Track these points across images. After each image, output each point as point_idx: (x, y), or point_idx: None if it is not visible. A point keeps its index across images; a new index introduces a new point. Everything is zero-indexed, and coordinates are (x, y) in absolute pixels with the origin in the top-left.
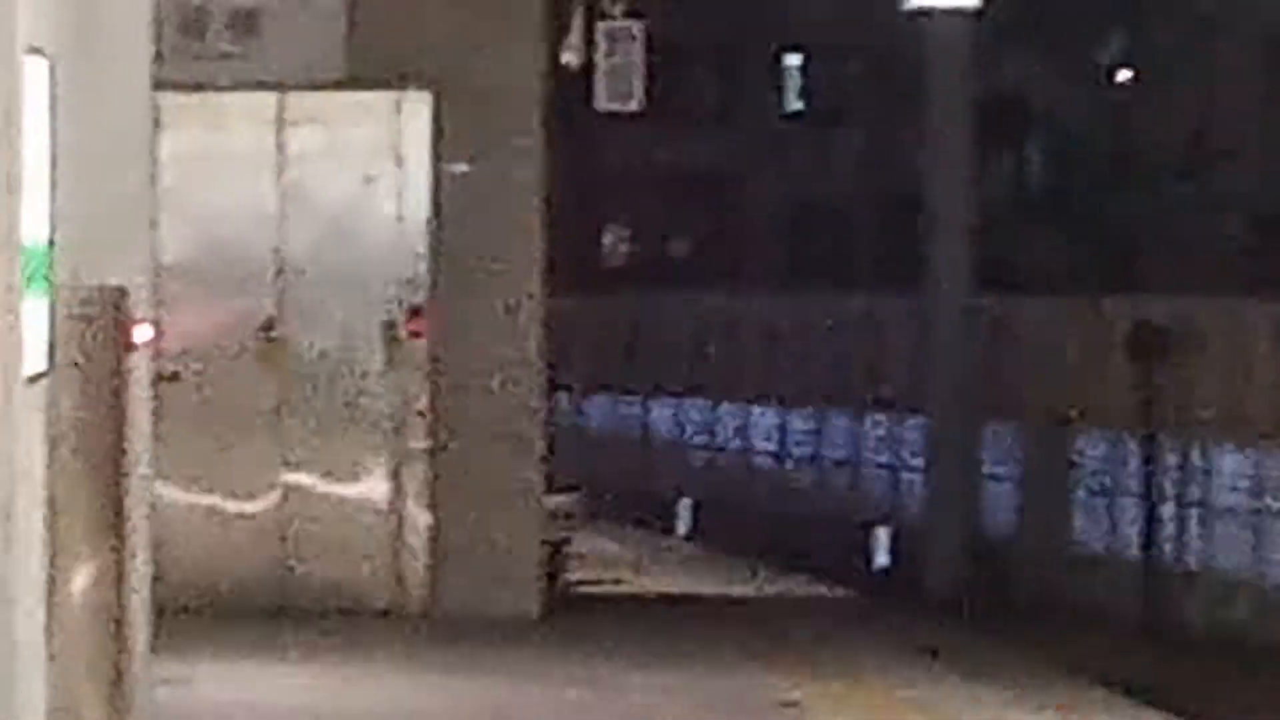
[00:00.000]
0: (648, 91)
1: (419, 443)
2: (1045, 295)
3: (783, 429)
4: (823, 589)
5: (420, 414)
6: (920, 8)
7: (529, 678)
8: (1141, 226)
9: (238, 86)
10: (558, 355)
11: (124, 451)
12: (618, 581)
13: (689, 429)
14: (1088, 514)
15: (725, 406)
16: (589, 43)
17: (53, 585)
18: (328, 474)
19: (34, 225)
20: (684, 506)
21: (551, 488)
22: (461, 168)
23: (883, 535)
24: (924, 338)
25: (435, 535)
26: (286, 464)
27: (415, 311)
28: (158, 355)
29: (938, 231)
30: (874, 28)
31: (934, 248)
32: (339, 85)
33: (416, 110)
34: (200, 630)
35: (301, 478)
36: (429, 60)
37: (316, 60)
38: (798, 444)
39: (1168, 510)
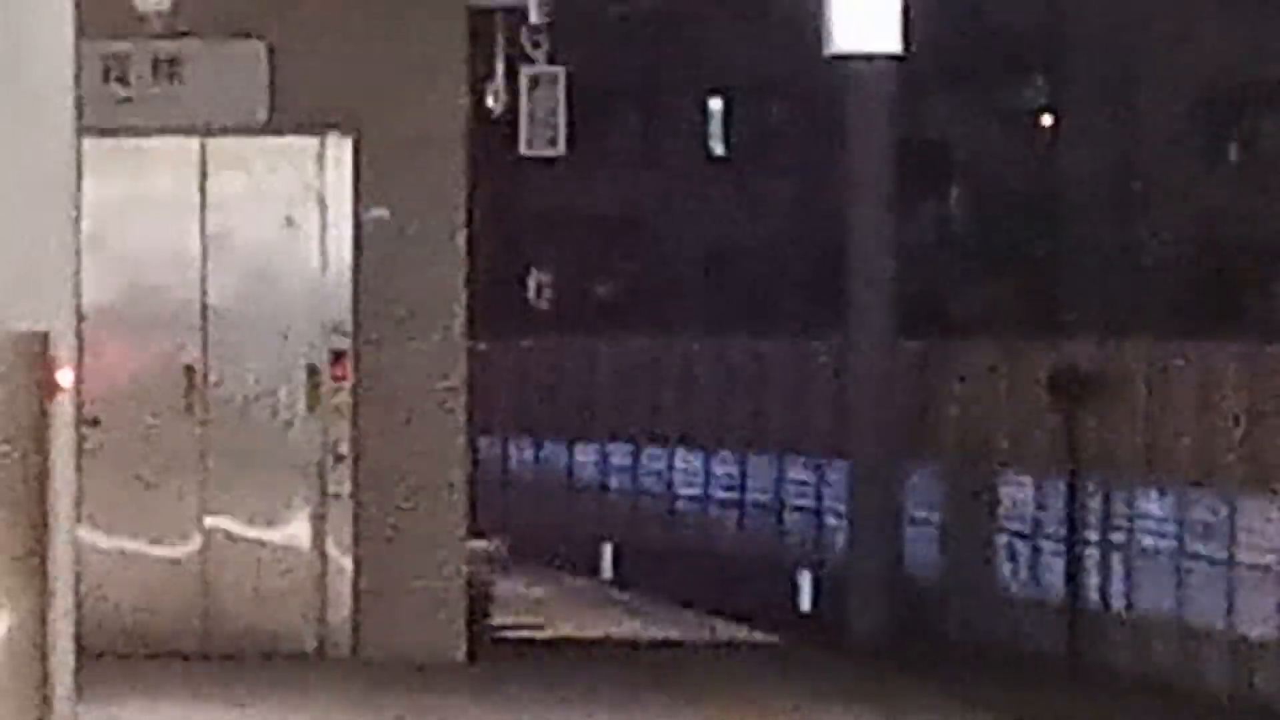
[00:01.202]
0: (570, 136)
1: (342, 487)
2: (969, 338)
3: (705, 472)
4: (746, 632)
5: (342, 458)
6: (843, 53)
7: None
8: (1064, 268)
9: (160, 132)
10: (480, 400)
11: (46, 496)
12: (541, 626)
13: (612, 473)
14: (1009, 556)
15: (648, 450)
16: (511, 88)
17: None
18: (250, 518)
19: None
20: (607, 550)
21: (475, 532)
22: (383, 213)
23: (806, 578)
24: (846, 381)
25: (358, 579)
26: (209, 508)
27: (338, 356)
28: (80, 400)
29: (860, 274)
30: (797, 72)
31: (856, 291)
32: (261, 131)
33: (338, 155)
34: (125, 674)
35: (224, 522)
36: (351, 105)
37: (239, 106)
38: (722, 487)
39: (1090, 552)
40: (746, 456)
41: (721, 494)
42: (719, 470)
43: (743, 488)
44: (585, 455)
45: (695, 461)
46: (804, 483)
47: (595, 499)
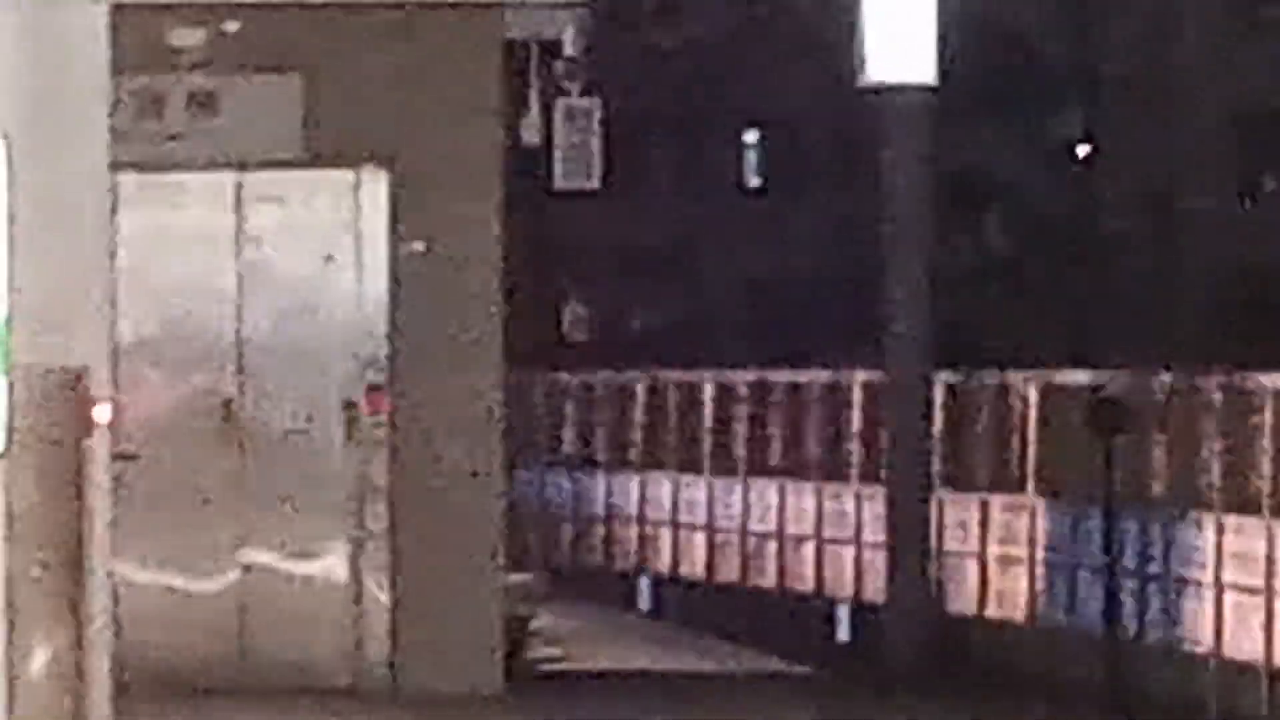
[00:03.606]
0: (605, 169)
1: (378, 521)
2: (1005, 368)
3: (746, 502)
4: (785, 664)
5: (379, 491)
6: (878, 84)
7: None
8: (1100, 298)
9: (196, 166)
10: (518, 431)
11: (83, 531)
12: (578, 659)
13: (650, 504)
14: (1049, 587)
15: (686, 479)
16: (547, 121)
17: (12, 665)
18: (287, 552)
19: None
20: (644, 583)
21: (512, 565)
22: (420, 246)
23: (844, 610)
24: (884, 410)
25: (395, 613)
26: (246, 542)
27: (374, 389)
28: (117, 435)
29: (897, 305)
30: (833, 103)
31: (893, 321)
32: (297, 164)
33: (375, 188)
34: (160, 709)
35: (260, 555)
36: (387, 138)
37: (275, 139)
38: (760, 519)
39: (1129, 583)
40: (785, 486)
41: (761, 525)
42: (759, 500)
43: (782, 518)
44: (625, 485)
45: (737, 492)
46: (841, 513)
47: (633, 530)
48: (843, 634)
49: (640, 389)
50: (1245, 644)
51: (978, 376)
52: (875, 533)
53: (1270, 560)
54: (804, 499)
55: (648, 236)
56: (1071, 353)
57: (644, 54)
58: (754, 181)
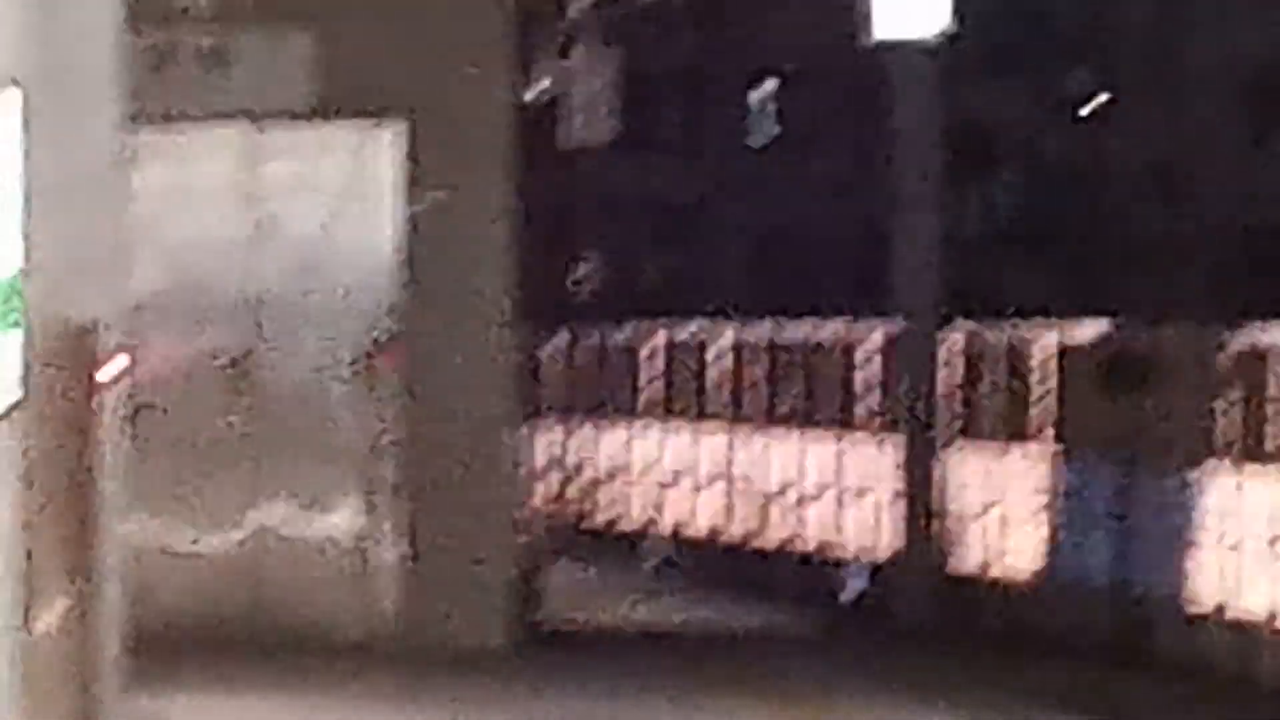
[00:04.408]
0: (620, 121)
1: (391, 475)
2: (1016, 319)
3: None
4: (793, 620)
5: (393, 446)
6: (887, 40)
7: (504, 711)
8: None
9: (209, 120)
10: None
11: (95, 484)
12: (588, 615)
13: (666, 457)
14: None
15: (701, 432)
16: (559, 75)
17: (25, 619)
18: (300, 506)
19: (6, 260)
20: (656, 536)
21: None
22: (432, 200)
23: (854, 566)
24: (896, 362)
25: (407, 568)
26: (259, 497)
27: (387, 343)
28: (130, 388)
29: (906, 258)
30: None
31: (903, 274)
32: (310, 118)
33: (387, 143)
34: (172, 665)
35: (274, 510)
36: (399, 93)
37: (286, 94)
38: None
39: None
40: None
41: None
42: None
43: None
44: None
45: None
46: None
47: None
48: (852, 590)
49: (653, 343)
50: (1255, 601)
51: (991, 329)
52: (889, 486)
53: None
54: (819, 452)
55: (660, 190)
56: (1084, 307)
57: (653, 9)
58: (766, 136)
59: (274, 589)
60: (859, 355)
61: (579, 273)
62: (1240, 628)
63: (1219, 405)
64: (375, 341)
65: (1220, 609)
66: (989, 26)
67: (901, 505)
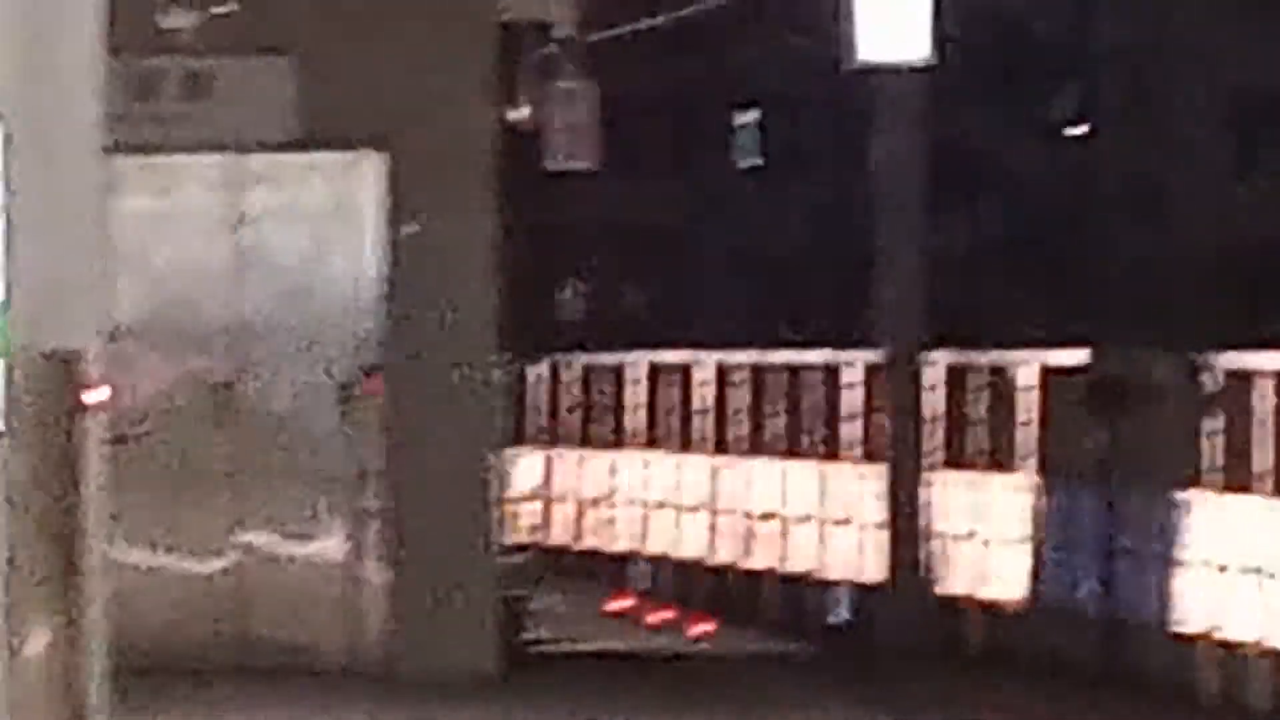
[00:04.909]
0: (601, 150)
1: (375, 501)
2: (999, 347)
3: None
4: (781, 644)
5: (375, 473)
6: (871, 64)
7: None
8: (1096, 278)
9: (191, 149)
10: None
11: (79, 512)
12: (574, 640)
13: (650, 484)
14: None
15: (686, 459)
16: (541, 102)
17: (9, 646)
18: (283, 534)
19: None
20: (641, 562)
21: (509, 547)
22: (414, 227)
23: (840, 590)
24: (879, 390)
25: (392, 594)
26: (242, 524)
27: (371, 371)
28: (113, 417)
29: (889, 284)
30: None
31: (888, 300)
32: (292, 146)
33: (369, 170)
34: (158, 691)
35: (257, 537)
36: (381, 121)
37: (269, 122)
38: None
39: (1126, 562)
40: (785, 465)
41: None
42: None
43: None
44: (624, 465)
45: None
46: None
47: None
48: (838, 614)
49: (637, 370)
50: (1241, 625)
51: (974, 356)
52: (872, 513)
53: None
54: (802, 479)
55: (643, 216)
56: (1068, 332)
57: (638, 34)
58: (748, 161)
59: (258, 614)
60: (841, 383)
61: (562, 298)
62: (1227, 650)
63: (1203, 429)
64: (358, 369)
65: (1206, 632)
66: (972, 51)
67: (886, 531)
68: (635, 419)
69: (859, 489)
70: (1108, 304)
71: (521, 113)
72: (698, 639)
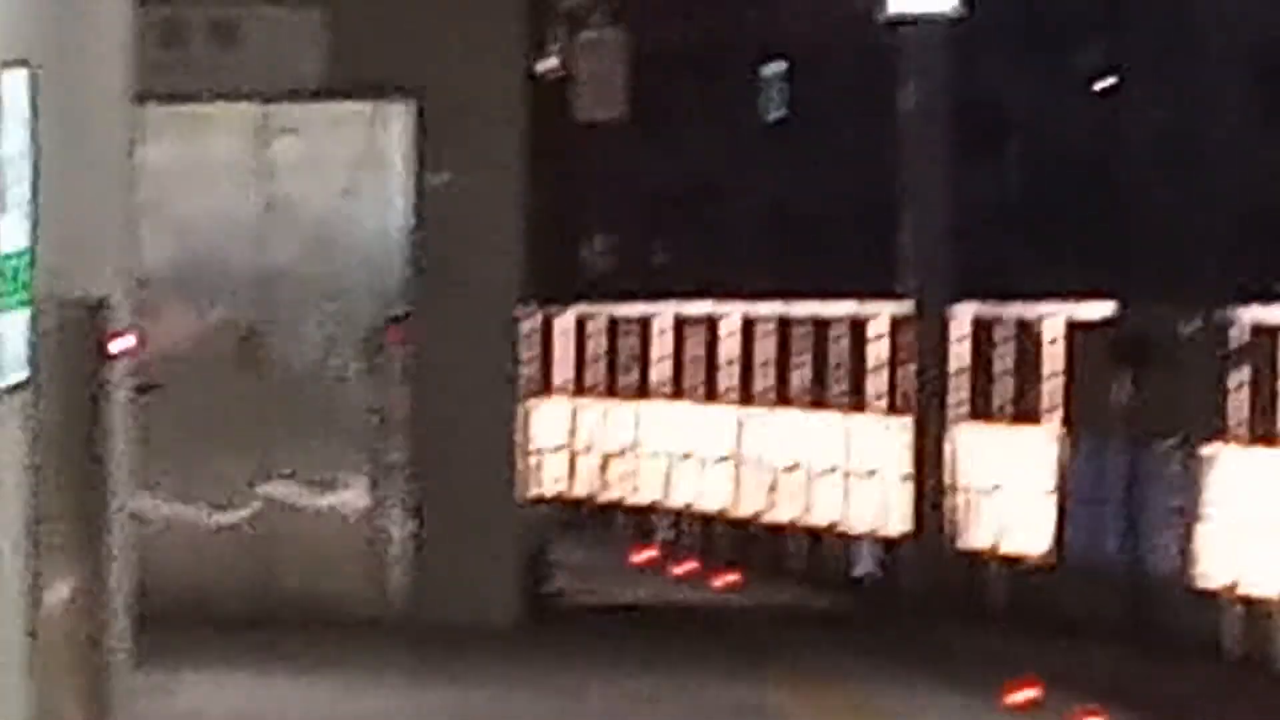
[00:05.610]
0: (629, 100)
1: (399, 452)
2: (1025, 299)
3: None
4: (806, 596)
5: (399, 423)
6: (899, 15)
7: (511, 687)
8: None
9: (219, 97)
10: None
11: (104, 462)
12: (595, 591)
13: (675, 435)
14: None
15: (711, 411)
16: (570, 52)
17: (34, 596)
18: (307, 484)
19: (14, 236)
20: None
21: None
22: (442, 178)
23: (865, 543)
24: (905, 342)
25: (414, 545)
26: (266, 474)
27: (396, 321)
28: (138, 366)
29: (916, 237)
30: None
31: (912, 253)
32: (320, 95)
33: (397, 120)
34: (182, 641)
35: (281, 488)
36: (410, 70)
37: (297, 71)
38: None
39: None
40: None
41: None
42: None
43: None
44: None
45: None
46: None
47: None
48: (863, 566)
49: (663, 321)
50: (1265, 579)
51: (1000, 309)
52: (898, 465)
53: None
54: (827, 431)
55: (670, 167)
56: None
57: None
58: (777, 114)
59: (282, 565)
60: (869, 334)
61: (588, 248)
62: (1250, 605)
63: (1229, 383)
64: (385, 318)
65: (1230, 587)
66: (1001, 2)
67: (911, 484)
68: (661, 370)
69: (884, 441)
70: (1134, 257)
71: (550, 63)
72: (724, 590)
